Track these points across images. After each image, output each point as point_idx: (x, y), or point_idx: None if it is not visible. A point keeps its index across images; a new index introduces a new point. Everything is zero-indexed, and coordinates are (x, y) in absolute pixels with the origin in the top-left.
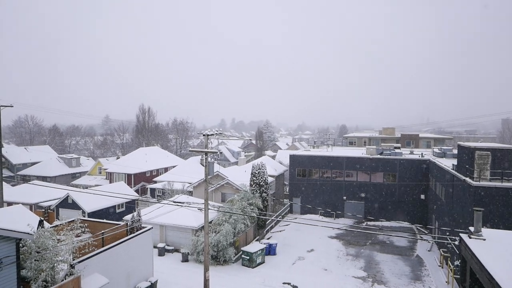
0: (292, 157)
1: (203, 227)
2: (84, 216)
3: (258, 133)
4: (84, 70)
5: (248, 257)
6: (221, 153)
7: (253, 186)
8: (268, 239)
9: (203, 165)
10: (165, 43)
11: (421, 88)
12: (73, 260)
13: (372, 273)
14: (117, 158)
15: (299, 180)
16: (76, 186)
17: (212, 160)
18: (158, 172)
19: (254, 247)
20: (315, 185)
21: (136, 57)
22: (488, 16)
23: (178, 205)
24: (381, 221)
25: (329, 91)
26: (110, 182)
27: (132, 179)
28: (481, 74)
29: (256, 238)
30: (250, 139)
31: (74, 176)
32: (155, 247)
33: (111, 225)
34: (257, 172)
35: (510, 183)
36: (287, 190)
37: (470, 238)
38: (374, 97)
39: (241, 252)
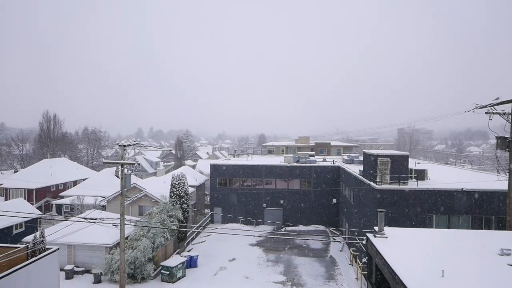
0: (213, 167)
1: (118, 243)
2: None
3: (177, 142)
4: None
5: (168, 272)
6: (138, 164)
7: (173, 197)
8: (189, 251)
9: (118, 177)
10: (72, 46)
11: (332, 99)
12: None
13: (291, 277)
14: (15, 171)
15: (220, 190)
16: None
17: (129, 171)
18: (66, 186)
19: (174, 261)
20: (236, 194)
21: (39, 57)
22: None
23: (89, 221)
24: (299, 226)
25: (249, 100)
26: (6, 199)
27: (34, 195)
28: (381, 90)
29: (176, 251)
30: (170, 149)
31: None
32: (62, 269)
33: (7, 249)
34: (177, 182)
35: (405, 185)
36: (208, 200)
37: (375, 237)
38: (290, 107)
39: (160, 267)
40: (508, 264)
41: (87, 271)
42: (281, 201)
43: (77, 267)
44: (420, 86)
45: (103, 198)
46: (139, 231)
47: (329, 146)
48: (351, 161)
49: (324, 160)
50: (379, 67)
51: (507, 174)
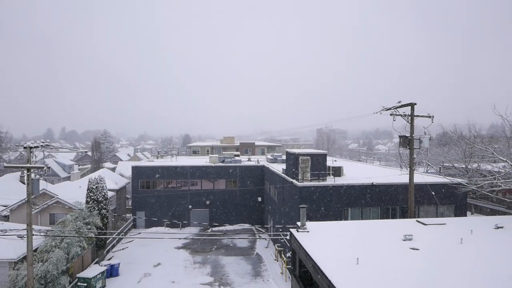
0: (134, 169)
1: (26, 257)
2: None
3: (94, 143)
4: None
5: (85, 284)
6: (48, 167)
7: (90, 203)
8: (109, 259)
9: (24, 183)
10: None
11: (255, 98)
12: None
13: (218, 277)
14: None
15: (143, 193)
16: None
17: (37, 176)
18: None
19: (93, 271)
20: (160, 196)
21: None
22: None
23: None
24: (225, 225)
25: (171, 100)
26: None
27: None
28: (302, 91)
29: (95, 261)
30: (85, 151)
31: None
32: None
33: None
34: (94, 187)
35: (324, 182)
36: (130, 204)
37: (298, 232)
38: (215, 107)
39: (76, 279)
40: (410, 248)
41: None
42: (207, 202)
43: None
44: (339, 87)
45: (4, 207)
46: (50, 242)
47: (254, 146)
48: (274, 160)
49: (249, 159)
50: (300, 70)
51: (408, 169)
